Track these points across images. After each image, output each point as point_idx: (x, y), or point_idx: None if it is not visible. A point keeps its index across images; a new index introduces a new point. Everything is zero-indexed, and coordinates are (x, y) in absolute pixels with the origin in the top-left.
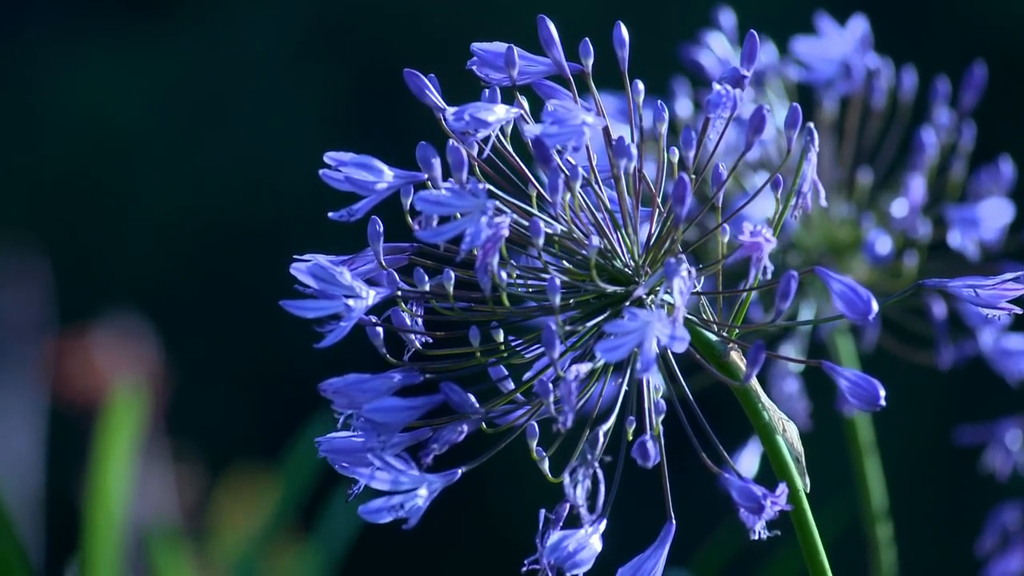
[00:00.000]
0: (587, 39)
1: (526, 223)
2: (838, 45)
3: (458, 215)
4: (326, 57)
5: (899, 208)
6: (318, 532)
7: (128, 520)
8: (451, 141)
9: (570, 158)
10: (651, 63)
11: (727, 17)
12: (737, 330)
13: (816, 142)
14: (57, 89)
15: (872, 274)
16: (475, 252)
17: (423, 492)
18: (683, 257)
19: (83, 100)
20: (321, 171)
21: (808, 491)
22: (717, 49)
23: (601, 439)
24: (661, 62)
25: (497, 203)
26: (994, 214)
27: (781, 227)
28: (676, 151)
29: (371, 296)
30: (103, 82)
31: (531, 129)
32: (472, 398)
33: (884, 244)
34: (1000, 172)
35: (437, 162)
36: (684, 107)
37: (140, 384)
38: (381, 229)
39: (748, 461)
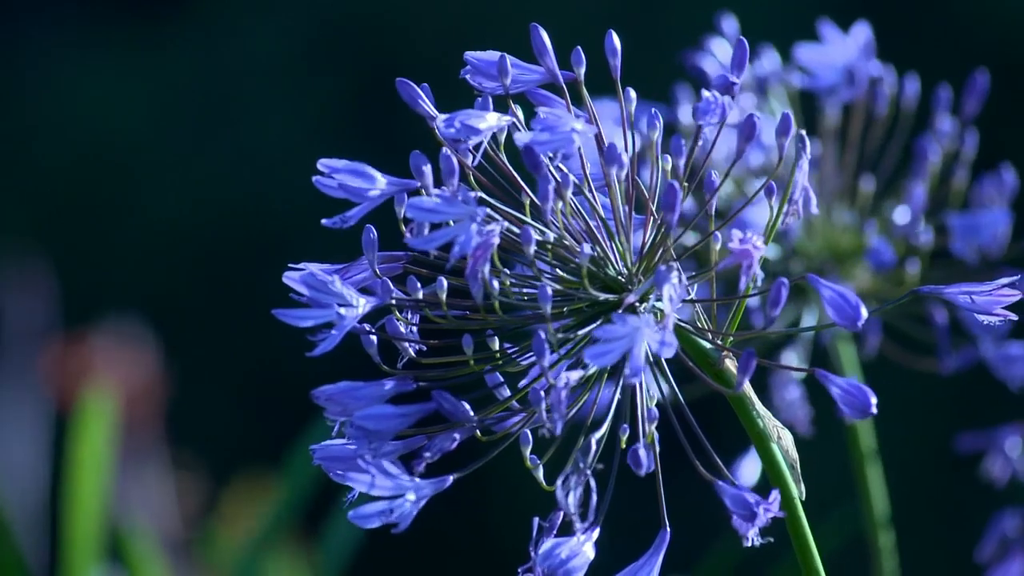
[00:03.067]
0: (579, 48)
1: (518, 231)
2: (841, 52)
3: (450, 222)
4: (329, 66)
5: (901, 215)
6: (322, 537)
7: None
8: (444, 149)
9: (561, 165)
10: (655, 69)
11: (730, 23)
12: (732, 338)
13: (808, 150)
14: (60, 96)
15: (875, 281)
16: (467, 259)
17: (411, 497)
18: (674, 264)
19: (86, 107)
20: (315, 178)
21: (803, 498)
22: (720, 55)
23: (594, 447)
24: (665, 68)
25: (488, 211)
26: (994, 222)
27: (784, 235)
28: (669, 158)
29: (362, 304)
30: (106, 90)
31: (521, 136)
32: (466, 406)
33: (886, 252)
34: (1003, 179)
35: (429, 170)
36: (687, 113)
37: (110, 390)
38: (375, 237)
39: (750, 469)
